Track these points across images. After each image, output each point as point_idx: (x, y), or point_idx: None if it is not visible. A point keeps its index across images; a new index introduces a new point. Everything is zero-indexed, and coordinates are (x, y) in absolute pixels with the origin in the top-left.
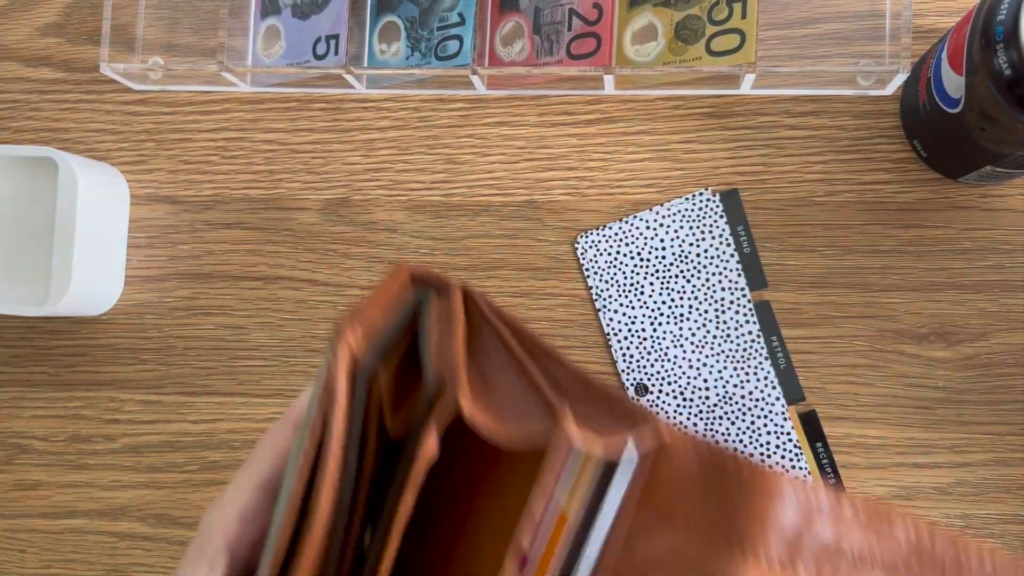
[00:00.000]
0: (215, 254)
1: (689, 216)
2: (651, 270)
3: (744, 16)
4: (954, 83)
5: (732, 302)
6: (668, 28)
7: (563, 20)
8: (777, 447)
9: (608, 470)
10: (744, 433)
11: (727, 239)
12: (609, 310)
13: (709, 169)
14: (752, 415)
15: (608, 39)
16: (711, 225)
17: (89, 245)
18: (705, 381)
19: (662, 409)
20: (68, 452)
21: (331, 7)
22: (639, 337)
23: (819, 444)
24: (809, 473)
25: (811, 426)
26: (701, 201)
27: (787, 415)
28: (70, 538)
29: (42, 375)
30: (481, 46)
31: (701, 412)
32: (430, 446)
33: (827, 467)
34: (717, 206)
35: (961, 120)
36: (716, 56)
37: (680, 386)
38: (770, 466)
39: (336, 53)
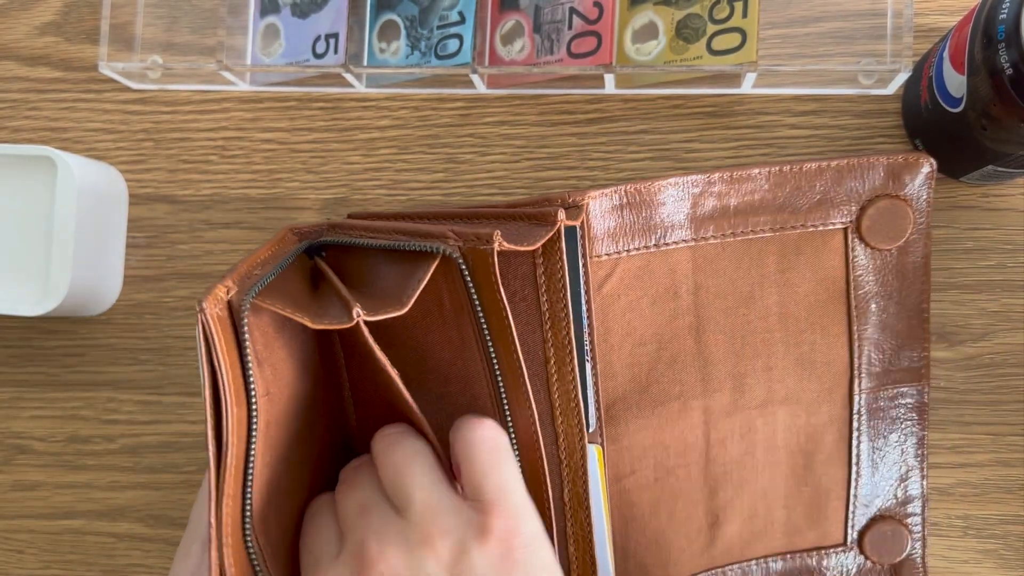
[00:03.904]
0: (214, 254)
1: None
2: None
3: (745, 15)
4: (956, 82)
5: None
6: (669, 27)
7: (563, 19)
8: None
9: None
10: None
11: None
12: None
13: (711, 168)
14: None
15: (609, 38)
16: None
17: (87, 245)
18: None
19: None
20: (67, 452)
21: (331, 5)
22: None
23: None
24: None
25: None
26: None
27: None
28: (68, 539)
29: (40, 375)
30: (481, 45)
31: None
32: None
33: None
34: None
35: (963, 119)
36: (717, 55)
37: None
38: None
39: (335, 52)
